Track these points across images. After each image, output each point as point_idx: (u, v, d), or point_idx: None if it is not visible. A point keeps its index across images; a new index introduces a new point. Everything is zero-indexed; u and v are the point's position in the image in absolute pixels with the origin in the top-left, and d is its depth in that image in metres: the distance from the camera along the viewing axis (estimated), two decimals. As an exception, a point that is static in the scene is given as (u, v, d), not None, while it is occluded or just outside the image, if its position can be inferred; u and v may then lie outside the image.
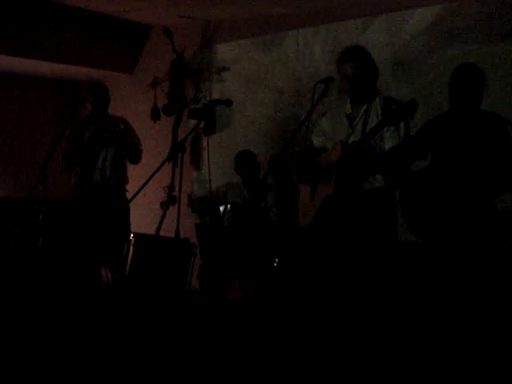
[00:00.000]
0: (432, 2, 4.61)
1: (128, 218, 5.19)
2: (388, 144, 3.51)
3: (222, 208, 4.83)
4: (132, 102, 6.51)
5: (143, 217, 5.76)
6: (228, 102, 4.05)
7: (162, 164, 3.74)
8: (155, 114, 6.14)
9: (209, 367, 3.57)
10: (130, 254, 4.72)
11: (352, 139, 3.57)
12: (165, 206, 5.72)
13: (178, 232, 3.76)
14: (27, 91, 6.91)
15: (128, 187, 5.24)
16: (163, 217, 5.56)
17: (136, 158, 5.18)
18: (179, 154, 3.78)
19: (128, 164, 5.28)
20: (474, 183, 3.56)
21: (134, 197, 3.68)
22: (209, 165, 4.94)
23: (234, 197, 5.17)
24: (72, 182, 5.28)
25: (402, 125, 3.38)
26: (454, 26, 4.51)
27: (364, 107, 3.61)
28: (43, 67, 6.30)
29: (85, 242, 5.02)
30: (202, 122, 5.79)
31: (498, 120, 3.67)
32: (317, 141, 3.88)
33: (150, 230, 5.38)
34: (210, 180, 4.97)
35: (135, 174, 5.31)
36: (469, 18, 4.45)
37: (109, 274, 5.11)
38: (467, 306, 3.52)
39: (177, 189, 4.00)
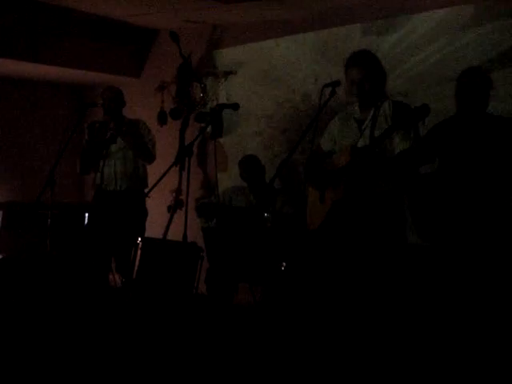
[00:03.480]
0: (434, 6, 4.63)
1: (144, 223, 5.15)
2: (398, 148, 3.50)
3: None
4: (139, 106, 6.52)
5: (150, 220, 5.76)
6: (235, 106, 4.05)
7: (170, 168, 3.75)
8: (162, 118, 6.15)
9: (216, 371, 3.57)
10: (138, 258, 4.73)
11: (360, 143, 3.57)
12: (172, 209, 5.73)
13: (185, 236, 3.77)
14: (35, 96, 6.93)
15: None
16: (170, 220, 5.56)
17: (146, 157, 5.10)
18: (186, 158, 3.79)
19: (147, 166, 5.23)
20: (482, 187, 3.55)
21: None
22: (216, 169, 4.97)
23: (240, 201, 5.16)
24: (91, 188, 5.25)
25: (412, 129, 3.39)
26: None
27: (372, 111, 3.61)
28: (50, 72, 6.32)
29: (94, 246, 5.01)
30: (209, 126, 5.79)
31: (505, 123, 3.67)
32: (325, 144, 3.88)
33: (158, 233, 5.38)
34: (217, 183, 4.99)
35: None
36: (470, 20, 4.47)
37: (117, 278, 5.12)
38: (475, 310, 3.51)
39: (184, 192, 4.01)
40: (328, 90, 3.60)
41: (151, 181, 3.69)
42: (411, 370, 3.44)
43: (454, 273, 3.59)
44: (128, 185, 5.08)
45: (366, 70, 3.59)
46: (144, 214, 5.12)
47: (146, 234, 5.04)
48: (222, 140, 5.97)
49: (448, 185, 3.66)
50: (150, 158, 5.09)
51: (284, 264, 4.29)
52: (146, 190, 3.98)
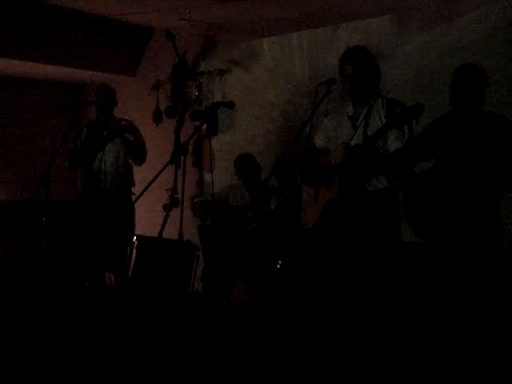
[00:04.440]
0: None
1: (133, 222, 5.18)
2: (392, 146, 3.50)
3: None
4: (134, 104, 6.52)
5: (146, 219, 5.76)
6: (230, 104, 4.05)
7: (165, 166, 3.74)
8: (157, 117, 6.14)
9: (212, 369, 3.57)
10: (133, 257, 4.72)
11: (354, 140, 3.56)
12: (168, 208, 5.73)
13: (180, 234, 3.77)
14: (30, 94, 6.91)
15: (133, 190, 5.25)
16: (166, 219, 5.56)
17: (139, 159, 5.17)
18: (182, 157, 3.79)
19: (134, 166, 5.29)
20: (477, 184, 3.56)
21: (136, 199, 3.70)
22: (211, 167, 4.97)
23: (236, 200, 5.17)
24: (78, 185, 5.28)
25: (406, 127, 3.39)
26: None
27: (366, 108, 3.61)
28: (46, 70, 6.31)
29: (88, 245, 5.02)
30: (205, 125, 5.79)
31: (500, 120, 3.67)
32: (319, 142, 3.88)
33: (153, 232, 5.38)
34: (212, 182, 4.98)
35: (138, 177, 5.32)
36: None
37: (112, 277, 5.12)
38: (470, 308, 3.52)
39: (179, 191, 4.00)
40: (323, 88, 3.60)
41: (147, 179, 3.70)
42: (406, 367, 3.45)
43: (450, 270, 3.60)
44: (119, 184, 5.13)
45: (360, 66, 3.58)
46: (133, 212, 5.16)
47: (142, 233, 5.04)
48: (215, 139, 5.96)
49: (444, 182, 3.66)
50: (143, 158, 5.17)
51: (280, 262, 4.29)
52: (139, 189, 3.98)
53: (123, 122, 5.18)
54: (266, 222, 4.66)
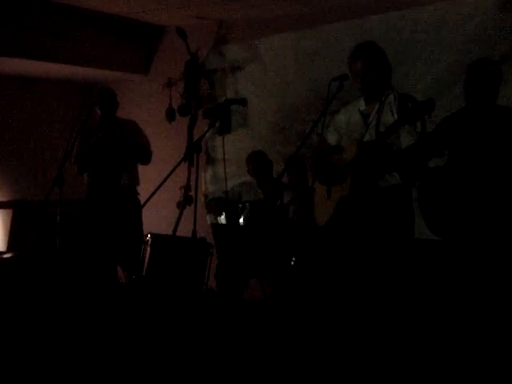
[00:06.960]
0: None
1: (140, 219, 5.21)
2: (405, 142, 3.48)
3: (240, 205, 4.83)
4: (147, 102, 6.53)
5: (160, 217, 5.77)
6: (243, 102, 4.06)
7: (178, 164, 3.75)
8: (170, 115, 6.14)
9: (226, 366, 3.57)
10: (147, 254, 4.74)
11: (367, 137, 3.55)
12: (181, 206, 5.73)
13: (194, 232, 3.77)
14: (42, 94, 6.94)
15: (143, 188, 5.27)
16: (180, 217, 5.57)
17: (146, 159, 5.24)
18: (195, 154, 3.80)
19: (139, 165, 5.34)
20: (492, 179, 3.53)
21: (150, 197, 3.69)
22: (224, 164, 4.96)
23: (249, 196, 5.16)
24: (85, 183, 5.31)
25: (418, 122, 3.37)
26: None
27: (377, 104, 3.58)
28: (57, 70, 6.33)
29: (100, 242, 5.05)
30: (218, 122, 5.79)
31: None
32: (331, 138, 3.87)
33: (167, 230, 5.39)
34: (225, 179, 4.98)
35: (151, 175, 5.32)
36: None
37: (125, 275, 5.14)
38: (486, 305, 3.49)
39: (193, 189, 4.01)
40: (336, 84, 3.58)
41: (160, 177, 3.72)
42: (421, 364, 3.43)
43: (465, 267, 3.57)
44: (126, 182, 5.22)
45: (369, 62, 3.56)
46: (140, 210, 5.20)
47: (156, 231, 5.06)
48: (227, 136, 5.96)
49: (458, 178, 3.64)
50: (149, 158, 5.24)
51: (293, 259, 4.28)
52: (153, 187, 4.00)
53: (123, 129, 5.21)
54: (279, 218, 4.66)
